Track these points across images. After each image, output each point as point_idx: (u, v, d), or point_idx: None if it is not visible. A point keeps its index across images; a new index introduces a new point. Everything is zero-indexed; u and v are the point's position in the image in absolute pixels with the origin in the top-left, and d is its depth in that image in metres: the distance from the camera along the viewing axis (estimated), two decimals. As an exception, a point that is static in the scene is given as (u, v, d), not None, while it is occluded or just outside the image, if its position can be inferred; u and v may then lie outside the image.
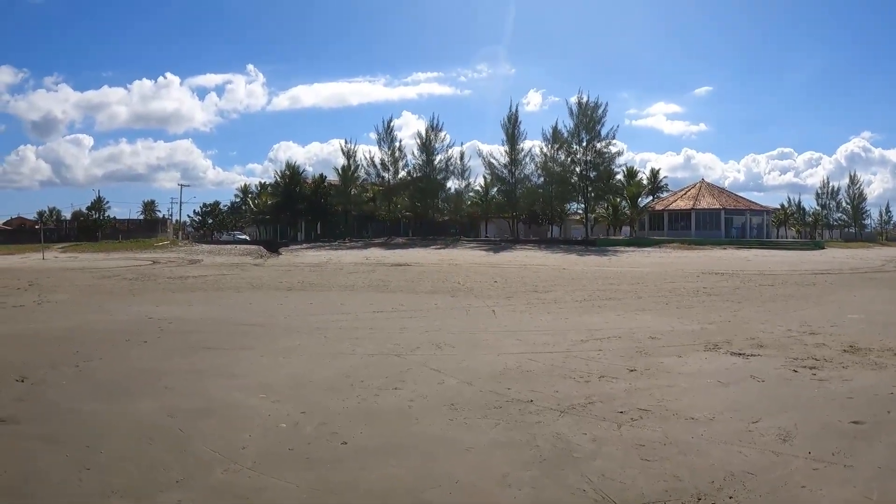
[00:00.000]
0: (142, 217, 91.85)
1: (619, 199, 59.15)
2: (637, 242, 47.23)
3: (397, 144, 58.76)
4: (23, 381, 5.72)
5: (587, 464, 3.72)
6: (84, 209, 78.74)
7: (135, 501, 3.28)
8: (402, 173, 59.03)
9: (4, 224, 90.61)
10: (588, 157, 53.37)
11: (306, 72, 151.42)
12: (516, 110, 56.15)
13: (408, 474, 3.65)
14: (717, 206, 54.92)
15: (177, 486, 3.46)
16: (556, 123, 55.07)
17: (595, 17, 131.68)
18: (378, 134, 59.20)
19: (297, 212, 64.81)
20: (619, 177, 57.04)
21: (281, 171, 66.48)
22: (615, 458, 3.82)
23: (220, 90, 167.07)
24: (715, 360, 6.71)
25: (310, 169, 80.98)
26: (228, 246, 51.57)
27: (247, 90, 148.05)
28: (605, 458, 3.80)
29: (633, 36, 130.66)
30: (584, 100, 52.69)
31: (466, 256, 34.24)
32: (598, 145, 52.95)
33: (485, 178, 58.16)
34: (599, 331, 8.64)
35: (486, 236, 57.92)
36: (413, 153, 58.54)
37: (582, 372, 6.11)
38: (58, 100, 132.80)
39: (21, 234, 69.48)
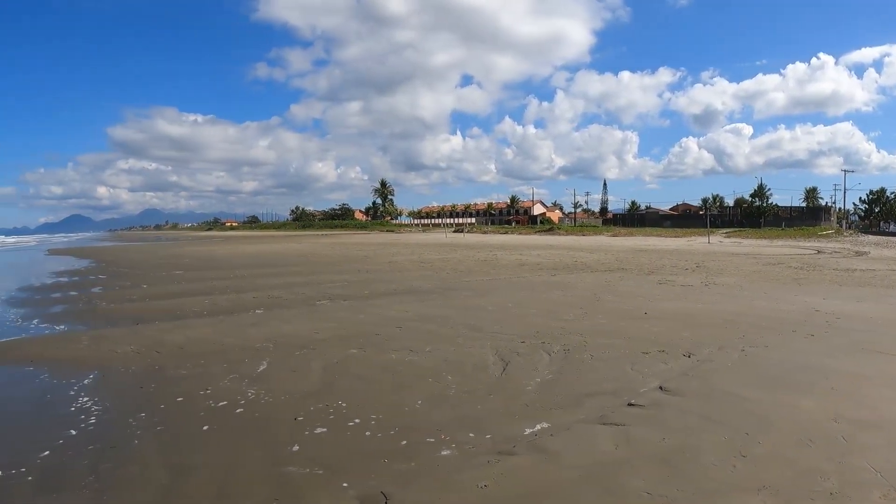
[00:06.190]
0: (804, 204, 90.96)
1: None
2: None
3: None
4: (689, 357, 6.52)
5: None
6: (746, 196, 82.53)
7: (782, 503, 3.34)
8: None
9: (671, 209, 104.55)
10: None
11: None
12: None
13: None
14: None
15: (830, 499, 3.35)
16: None
17: None
18: None
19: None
20: None
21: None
22: None
23: (878, 65, 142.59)
24: None
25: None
26: (898, 238, 44.54)
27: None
28: None
29: None
30: None
31: None
32: None
33: None
34: None
35: None
36: None
37: None
38: (715, 92, 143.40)
39: (686, 218, 78.89)
